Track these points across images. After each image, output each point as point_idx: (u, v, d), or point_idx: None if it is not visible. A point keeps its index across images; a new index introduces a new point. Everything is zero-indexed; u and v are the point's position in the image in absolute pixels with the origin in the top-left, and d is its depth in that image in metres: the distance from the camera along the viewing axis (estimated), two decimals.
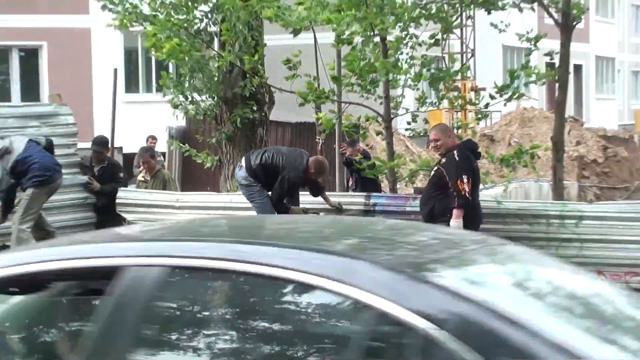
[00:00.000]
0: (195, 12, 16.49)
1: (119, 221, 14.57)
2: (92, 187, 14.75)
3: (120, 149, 20.87)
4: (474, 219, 11.61)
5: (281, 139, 21.37)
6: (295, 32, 14.15)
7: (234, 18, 15.19)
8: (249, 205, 13.22)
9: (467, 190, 11.55)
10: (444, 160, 11.86)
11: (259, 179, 12.98)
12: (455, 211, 11.41)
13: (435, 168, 12.11)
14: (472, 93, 16.78)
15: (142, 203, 15.04)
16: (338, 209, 13.41)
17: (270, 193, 12.95)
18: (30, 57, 33.14)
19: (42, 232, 13.28)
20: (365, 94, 14.98)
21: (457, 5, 15.87)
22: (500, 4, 15.12)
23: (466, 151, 12.05)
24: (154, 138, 23.51)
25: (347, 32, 13.94)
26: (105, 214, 14.81)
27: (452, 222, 11.37)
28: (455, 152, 11.84)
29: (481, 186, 14.57)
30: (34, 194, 12.89)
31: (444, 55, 21.15)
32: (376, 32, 13.99)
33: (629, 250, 12.10)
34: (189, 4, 16.04)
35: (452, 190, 11.52)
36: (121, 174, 16.15)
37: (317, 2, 13.35)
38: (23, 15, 31.35)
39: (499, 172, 17.03)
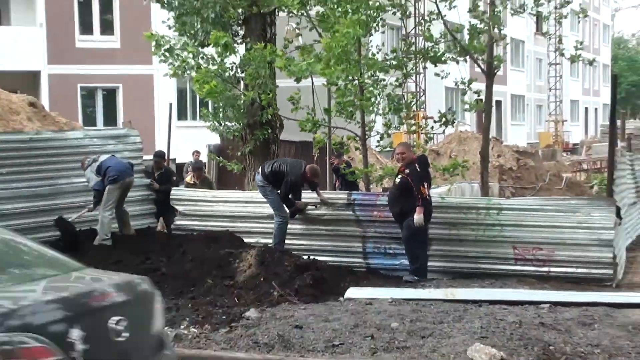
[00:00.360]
0: (226, 62, 17.00)
1: (173, 212, 15.90)
2: (153, 187, 15.94)
3: (174, 160, 21.71)
4: (429, 212, 13.01)
5: (288, 153, 21.70)
6: (298, 80, 15.53)
7: (256, 65, 16.08)
8: (264, 200, 14.56)
9: (427, 193, 12.90)
10: (407, 170, 12.93)
11: (270, 182, 14.15)
12: (418, 208, 12.70)
13: (400, 177, 13.05)
14: (423, 120, 18.33)
15: (189, 198, 16.07)
16: (326, 203, 14.51)
17: (279, 192, 14.15)
18: (110, 95, 34.86)
19: (122, 221, 14.57)
20: (347, 120, 16.24)
21: (413, 59, 17.52)
22: (442, 58, 16.60)
23: (421, 163, 13.28)
24: (197, 152, 24.67)
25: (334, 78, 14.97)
26: (162, 207, 16.05)
27: (416, 215, 12.73)
28: (416, 164, 13.03)
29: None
30: (109, 189, 13.70)
31: (403, 93, 20.87)
32: (355, 78, 15.42)
33: (535, 232, 13.22)
34: (222, 57, 16.60)
35: (417, 193, 12.70)
36: (174, 178, 17.26)
37: (314, 59, 14.87)
38: (105, 66, 33.50)
39: (443, 177, 17.91)
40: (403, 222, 13.14)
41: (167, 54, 17.00)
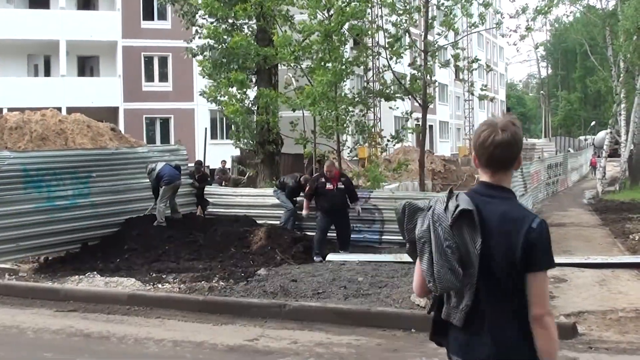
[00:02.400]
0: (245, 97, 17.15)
1: (207, 202, 15.62)
2: (194, 185, 15.47)
3: (208, 166, 21.11)
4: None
5: (287, 161, 21.05)
6: (294, 110, 15.70)
7: (265, 101, 15.98)
8: (271, 194, 14.48)
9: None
10: (344, 179, 12.82)
11: (280, 188, 14.17)
12: (357, 202, 12.85)
13: (342, 183, 12.58)
14: (380, 139, 18.15)
15: (218, 193, 16.01)
16: None
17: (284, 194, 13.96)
18: (165, 123, 34.84)
19: (171, 209, 14.05)
20: (327, 138, 16.11)
21: (371, 97, 17.54)
22: (394, 96, 16.55)
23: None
24: (224, 161, 24.02)
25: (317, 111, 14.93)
26: (201, 199, 15.63)
27: (357, 205, 12.84)
28: (346, 176, 13.47)
29: (383, 184, 16.54)
30: (164, 189, 13.40)
31: (366, 120, 19.45)
32: (332, 111, 15.11)
33: None
34: (242, 90, 16.79)
35: (354, 192, 12.97)
36: (208, 179, 17.17)
37: (305, 96, 14.70)
38: (162, 103, 33.79)
39: (393, 177, 17.97)
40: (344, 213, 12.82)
41: (208, 75, 17.64)
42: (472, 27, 16.01)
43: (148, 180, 13.77)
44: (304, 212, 13.17)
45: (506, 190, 2.86)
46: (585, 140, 65.89)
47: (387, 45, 15.95)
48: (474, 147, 2.93)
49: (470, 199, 2.79)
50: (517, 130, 2.82)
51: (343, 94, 16.24)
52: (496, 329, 2.74)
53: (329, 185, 12.52)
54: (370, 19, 17.42)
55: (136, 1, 33.87)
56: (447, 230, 2.75)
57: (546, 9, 16.16)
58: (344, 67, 15.34)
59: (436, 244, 2.75)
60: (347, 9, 14.80)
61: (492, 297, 2.75)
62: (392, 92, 16.40)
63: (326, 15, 15.18)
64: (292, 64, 16.06)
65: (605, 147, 28.20)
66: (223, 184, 18.30)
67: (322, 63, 14.90)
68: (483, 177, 2.90)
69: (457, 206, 2.77)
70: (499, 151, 2.79)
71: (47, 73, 34.65)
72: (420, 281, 2.90)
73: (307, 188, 13.07)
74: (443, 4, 16.03)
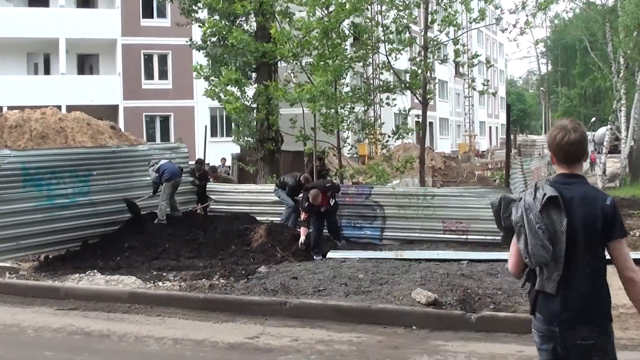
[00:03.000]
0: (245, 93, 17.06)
1: (208, 199, 15.50)
2: (194, 183, 15.35)
3: (209, 164, 19.94)
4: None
5: (287, 159, 21.10)
6: (292, 105, 15.51)
7: (264, 98, 16.19)
8: (271, 191, 14.44)
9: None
10: (329, 192, 12.49)
11: (280, 187, 14.10)
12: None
13: (332, 198, 12.54)
14: (380, 135, 17.88)
15: (219, 190, 15.92)
16: None
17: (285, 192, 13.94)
18: (165, 121, 34.96)
19: (171, 207, 13.96)
20: (327, 134, 15.93)
21: (371, 94, 17.32)
22: (394, 90, 16.42)
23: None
24: (223, 159, 24.47)
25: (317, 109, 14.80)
26: (202, 197, 15.53)
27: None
28: (332, 185, 13.19)
29: (388, 182, 16.25)
30: (165, 185, 13.39)
31: (367, 117, 19.04)
32: (332, 108, 15.05)
33: (457, 211, 13.01)
34: (242, 92, 16.77)
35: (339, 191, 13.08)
36: (209, 176, 16.95)
37: (304, 92, 14.49)
38: (162, 100, 33.70)
39: (394, 174, 17.45)
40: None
41: (204, 78, 17.48)
42: (473, 23, 15.91)
43: (149, 178, 13.71)
44: (301, 240, 12.08)
45: (580, 177, 3.53)
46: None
47: (385, 40, 15.84)
48: (550, 147, 3.60)
49: (554, 188, 3.46)
50: (584, 130, 3.49)
51: (343, 92, 16.11)
52: (582, 291, 3.39)
53: (323, 209, 12.39)
54: (370, 15, 17.30)
55: None
56: (537, 214, 3.41)
57: (545, 4, 16.09)
58: (343, 63, 15.21)
59: (529, 227, 3.40)
60: (347, 5, 14.66)
61: (577, 265, 3.40)
62: (392, 85, 16.31)
63: (325, 12, 15.07)
64: (291, 60, 15.91)
65: (605, 143, 28.13)
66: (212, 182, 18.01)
67: (322, 60, 14.76)
68: (559, 170, 3.59)
69: (545, 194, 3.43)
70: (573, 149, 3.48)
71: (47, 71, 34.71)
72: (516, 260, 3.59)
73: (303, 216, 12.35)
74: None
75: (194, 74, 18.29)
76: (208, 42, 18.14)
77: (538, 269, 3.50)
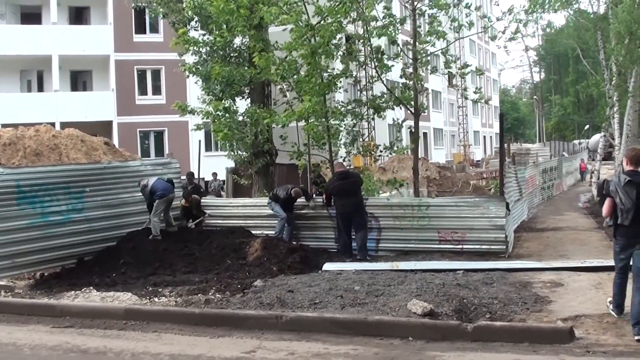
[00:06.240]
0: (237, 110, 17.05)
1: (204, 212, 15.46)
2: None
3: (203, 178, 21.23)
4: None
5: (281, 172, 20.87)
6: (283, 126, 15.34)
7: (255, 117, 16.08)
8: (265, 205, 14.51)
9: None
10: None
11: (273, 200, 14.26)
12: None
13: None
14: (374, 148, 17.80)
15: (214, 204, 15.95)
16: (313, 207, 14.38)
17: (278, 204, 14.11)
18: (159, 136, 34.97)
19: (166, 223, 14.07)
20: (319, 148, 15.68)
21: (364, 108, 17.04)
22: (384, 106, 16.16)
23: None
24: (215, 173, 24.35)
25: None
26: (191, 213, 15.30)
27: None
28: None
29: (381, 191, 16.83)
30: (157, 202, 13.48)
31: (360, 129, 21.32)
32: (322, 123, 15.05)
33: (452, 221, 13.07)
34: (232, 112, 16.61)
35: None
36: (202, 190, 17.08)
37: (295, 115, 14.68)
38: (155, 116, 33.58)
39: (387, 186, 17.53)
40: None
41: (190, 114, 17.63)
42: (460, 32, 15.94)
43: (142, 195, 13.71)
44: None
45: None
46: (580, 144, 66.00)
47: (374, 58, 15.84)
48: (627, 157, 7.55)
49: (628, 176, 7.29)
50: None
51: (333, 107, 16.02)
52: None
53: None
54: (355, 32, 17.36)
55: (128, 15, 33.75)
56: (622, 188, 7.30)
57: (533, 9, 16.10)
58: (331, 80, 15.21)
59: (621, 192, 7.29)
60: (332, 26, 14.62)
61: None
62: (382, 101, 16.21)
63: (310, 33, 14.73)
64: (280, 82, 15.91)
65: (599, 150, 28.23)
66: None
67: (309, 79, 14.74)
68: (630, 168, 7.42)
69: (625, 179, 7.27)
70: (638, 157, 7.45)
71: (40, 88, 34.72)
72: (609, 209, 7.61)
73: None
74: (426, 11, 16.01)
75: (190, 83, 18.60)
76: (199, 67, 18.33)
77: (620, 212, 7.31)
